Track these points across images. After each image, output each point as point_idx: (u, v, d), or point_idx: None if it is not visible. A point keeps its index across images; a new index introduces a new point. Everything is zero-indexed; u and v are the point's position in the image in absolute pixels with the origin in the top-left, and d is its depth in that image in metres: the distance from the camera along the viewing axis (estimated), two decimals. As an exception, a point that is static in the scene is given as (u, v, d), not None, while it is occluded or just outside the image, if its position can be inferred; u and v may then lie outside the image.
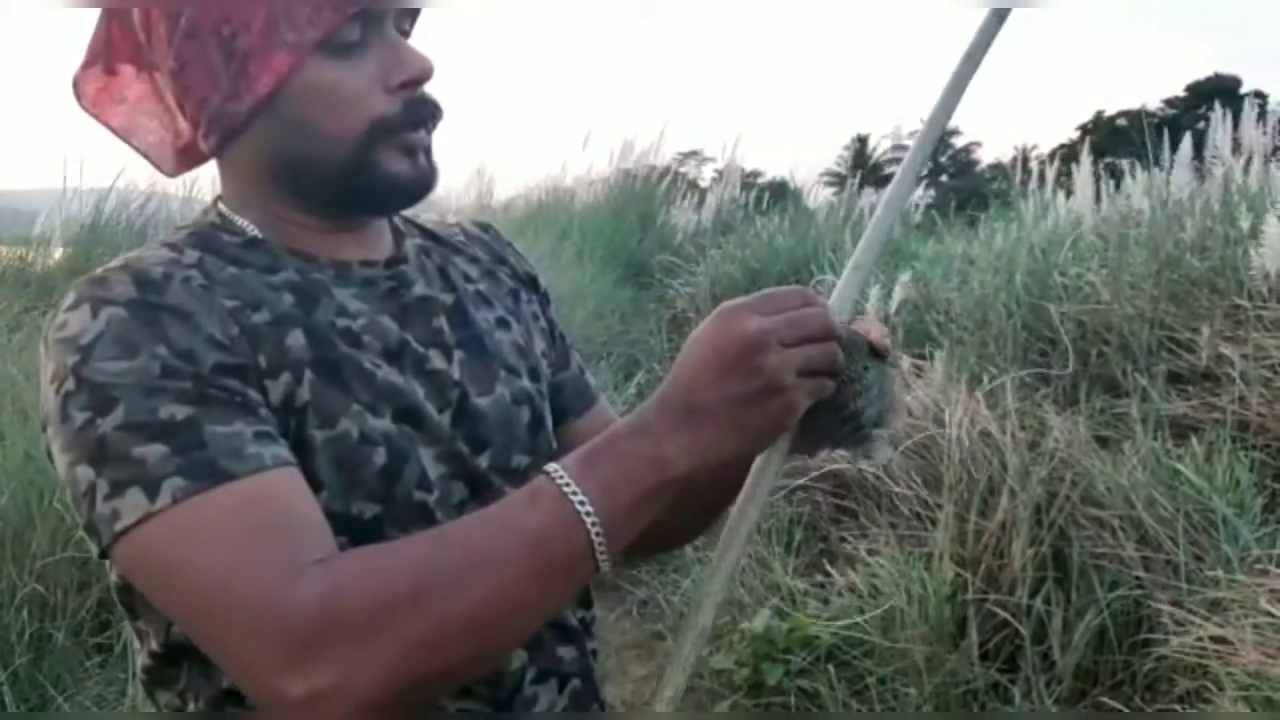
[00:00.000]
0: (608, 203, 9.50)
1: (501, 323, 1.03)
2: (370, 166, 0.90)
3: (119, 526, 0.77)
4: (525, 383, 1.01)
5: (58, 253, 7.23)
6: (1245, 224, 4.22)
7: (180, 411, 0.79)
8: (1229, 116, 5.64)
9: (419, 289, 0.98)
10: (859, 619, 3.09)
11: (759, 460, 0.89)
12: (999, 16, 0.95)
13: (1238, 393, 3.64)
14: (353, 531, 0.84)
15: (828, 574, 3.38)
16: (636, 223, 9.18)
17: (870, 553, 3.30)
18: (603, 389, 5.60)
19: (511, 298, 1.08)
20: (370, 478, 0.87)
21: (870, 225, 0.96)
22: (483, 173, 9.96)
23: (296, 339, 0.87)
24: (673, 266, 7.63)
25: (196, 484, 0.77)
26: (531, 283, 1.12)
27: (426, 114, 0.93)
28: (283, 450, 0.82)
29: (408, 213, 1.04)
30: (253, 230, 0.93)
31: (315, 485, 0.84)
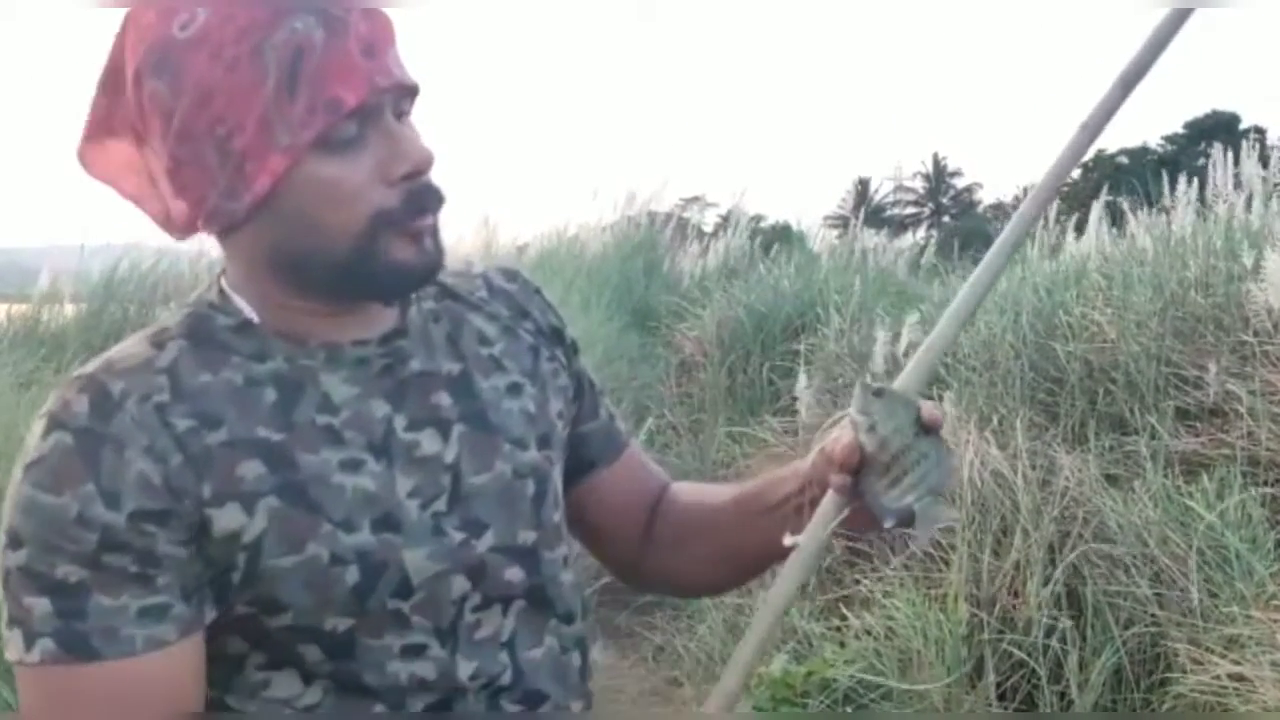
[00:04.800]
0: (614, 249, 9.55)
1: (513, 389, 1.02)
2: (374, 258, 0.89)
3: (6, 654, 0.84)
4: (531, 454, 1.00)
5: (69, 310, 7.29)
6: (1248, 260, 4.25)
7: (74, 574, 0.82)
8: (1229, 153, 5.70)
9: (416, 364, 0.97)
10: (876, 661, 3.09)
11: (804, 537, 0.96)
12: (1177, 19, 0.98)
13: (1246, 428, 3.65)
14: (324, 642, 0.88)
15: (844, 617, 3.38)
16: (643, 269, 9.23)
17: (885, 595, 3.31)
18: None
19: (530, 356, 1.06)
20: (342, 595, 0.88)
21: (952, 306, 1.01)
22: (489, 222, 10.02)
23: (253, 468, 0.87)
24: (680, 311, 7.67)
25: (65, 654, 0.82)
26: (555, 335, 1.10)
27: (428, 203, 0.91)
28: (164, 629, 0.84)
29: None
30: (248, 312, 0.93)
31: (278, 608, 0.87)
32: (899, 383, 0.97)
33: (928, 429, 0.94)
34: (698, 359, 6.82)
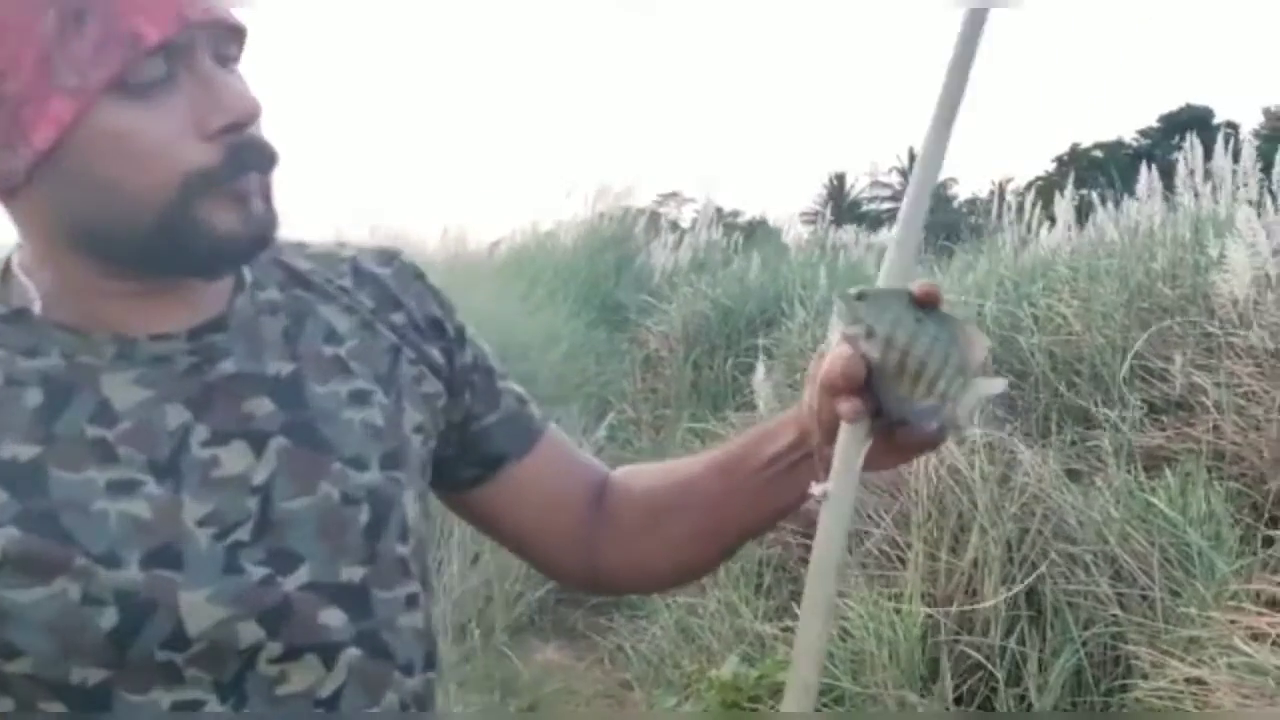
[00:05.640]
0: (584, 245, 9.46)
1: (357, 398, 0.86)
2: (191, 225, 0.75)
3: None
4: (370, 476, 0.84)
5: None
6: (1214, 251, 4.18)
7: None
8: (1199, 146, 5.66)
9: (230, 364, 0.81)
10: (829, 663, 2.99)
11: (832, 483, 0.80)
12: (977, 18, 0.86)
13: (1212, 422, 3.58)
14: (69, 697, 0.74)
15: (797, 617, 3.28)
16: (614, 264, 9.14)
17: (840, 594, 3.21)
18: (572, 432, 5.50)
19: (388, 358, 0.89)
20: (94, 643, 0.73)
21: (905, 204, 0.85)
22: (457, 224, 9.95)
23: None
24: (647, 306, 7.58)
25: None
26: (434, 327, 0.94)
27: (254, 162, 0.77)
28: None
29: (293, 242, 0.92)
30: (30, 297, 0.79)
31: (13, 652, 0.73)
32: (881, 278, 0.83)
33: (926, 306, 0.79)
34: (662, 354, 6.73)
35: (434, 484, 0.96)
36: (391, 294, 0.93)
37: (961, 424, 0.81)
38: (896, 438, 0.82)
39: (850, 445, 0.80)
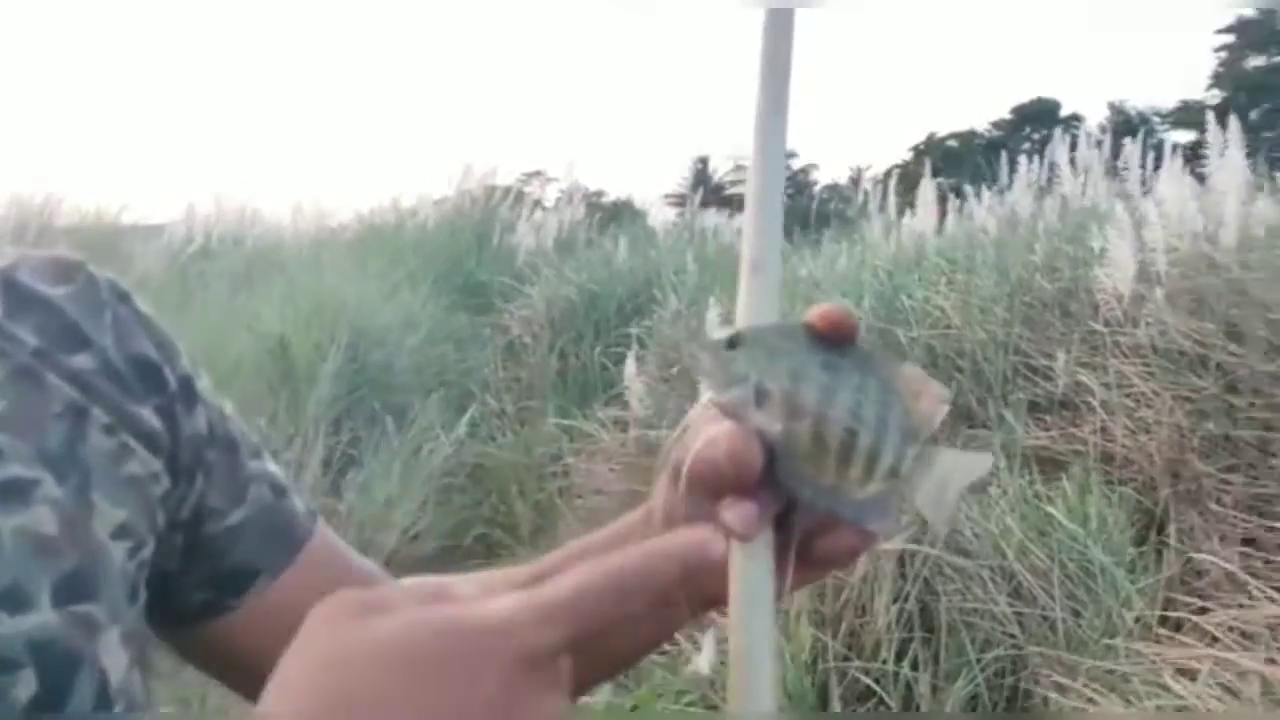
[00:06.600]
0: (443, 224, 9.08)
1: (8, 492, 0.55)
2: None
3: None
4: (38, 619, 0.53)
5: None
6: (1096, 244, 4.08)
7: None
8: (1068, 138, 5.63)
9: None
10: (710, 691, 2.75)
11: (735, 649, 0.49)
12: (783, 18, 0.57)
13: (1100, 423, 3.46)
14: None
15: (675, 640, 3.03)
16: (474, 244, 8.77)
17: (721, 613, 2.97)
18: (432, 426, 5.13)
19: (67, 424, 0.59)
20: None
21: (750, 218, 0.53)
22: (312, 199, 9.50)
23: None
24: (509, 289, 7.23)
25: None
26: (145, 375, 0.64)
27: None
28: None
29: None
30: None
31: None
32: (743, 318, 0.51)
33: (836, 343, 0.49)
34: (526, 340, 6.41)
35: (146, 613, 0.63)
36: (72, 325, 0.62)
37: (936, 522, 0.52)
38: (816, 549, 0.51)
39: (752, 574, 0.50)
